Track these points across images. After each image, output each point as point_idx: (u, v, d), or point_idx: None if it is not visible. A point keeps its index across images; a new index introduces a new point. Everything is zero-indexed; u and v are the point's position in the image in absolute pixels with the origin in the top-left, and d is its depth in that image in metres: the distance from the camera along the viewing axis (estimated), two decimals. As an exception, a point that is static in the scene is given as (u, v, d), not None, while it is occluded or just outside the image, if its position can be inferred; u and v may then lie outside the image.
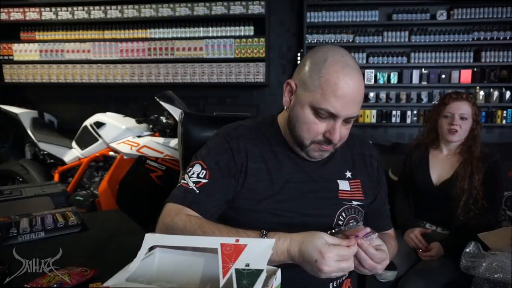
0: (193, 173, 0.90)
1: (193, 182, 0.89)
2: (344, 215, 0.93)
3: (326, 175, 0.96)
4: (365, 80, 3.58)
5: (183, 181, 0.91)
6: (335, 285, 0.93)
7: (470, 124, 1.70)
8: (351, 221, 0.93)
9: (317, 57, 0.86)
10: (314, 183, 0.94)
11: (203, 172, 0.90)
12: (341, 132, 0.86)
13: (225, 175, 0.90)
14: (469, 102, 1.69)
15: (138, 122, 2.65)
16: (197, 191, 0.87)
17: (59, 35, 3.83)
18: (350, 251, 0.73)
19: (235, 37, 3.60)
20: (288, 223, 0.89)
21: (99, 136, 2.72)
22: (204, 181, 0.89)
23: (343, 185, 0.96)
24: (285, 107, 0.94)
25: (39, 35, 3.85)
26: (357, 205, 0.95)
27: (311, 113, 0.86)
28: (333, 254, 0.70)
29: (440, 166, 1.75)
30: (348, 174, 0.98)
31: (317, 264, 0.70)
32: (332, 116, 0.84)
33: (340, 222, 0.92)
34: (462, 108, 1.67)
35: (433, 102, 3.34)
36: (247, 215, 0.90)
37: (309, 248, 0.72)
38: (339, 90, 0.81)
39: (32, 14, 3.80)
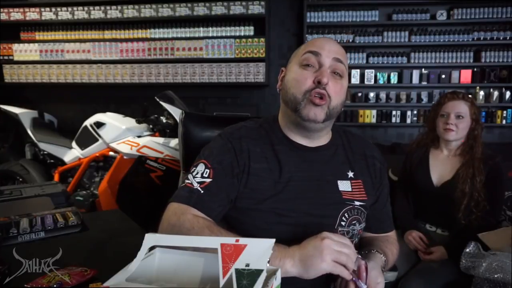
0: (197, 173, 0.90)
1: (198, 182, 0.89)
2: (347, 215, 0.93)
3: (328, 175, 0.95)
4: (365, 80, 3.59)
5: (187, 181, 0.91)
6: (334, 286, 0.93)
7: (468, 123, 1.68)
8: (353, 222, 0.93)
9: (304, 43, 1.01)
10: (316, 182, 0.94)
11: (206, 172, 0.90)
12: (331, 85, 0.90)
13: (228, 174, 0.90)
14: (466, 101, 1.68)
15: (138, 122, 2.65)
16: (202, 191, 0.87)
17: (59, 35, 3.83)
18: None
19: (235, 37, 3.60)
20: (291, 222, 0.89)
21: (99, 136, 2.72)
22: (208, 180, 0.89)
23: (344, 185, 0.95)
24: (278, 90, 1.01)
25: (39, 35, 3.85)
26: (360, 205, 0.95)
27: (298, 68, 0.93)
28: (336, 235, 0.77)
29: (441, 167, 1.75)
30: (350, 174, 0.98)
31: (319, 236, 0.76)
32: (317, 60, 0.91)
33: (343, 223, 0.92)
34: (458, 107, 1.67)
35: (433, 102, 3.35)
36: (250, 214, 0.90)
37: (313, 238, 0.77)
38: (317, 40, 0.95)
39: (32, 14, 3.80)
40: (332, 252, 0.73)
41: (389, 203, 1.08)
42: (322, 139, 0.99)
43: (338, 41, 3.52)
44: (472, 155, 1.67)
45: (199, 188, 0.88)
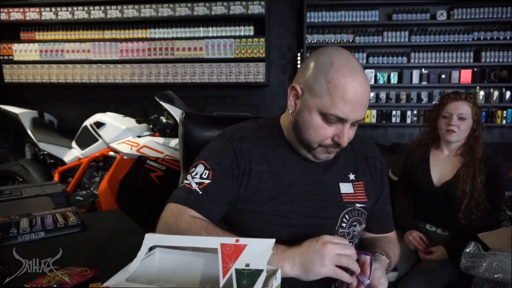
0: (196, 174, 0.90)
1: (196, 183, 0.88)
2: (347, 217, 0.93)
3: (330, 178, 0.96)
4: (365, 80, 3.58)
5: (185, 181, 0.90)
6: (336, 285, 0.93)
7: (470, 124, 1.68)
8: (354, 223, 0.93)
9: (322, 61, 0.85)
10: (318, 186, 0.94)
11: (206, 173, 0.89)
12: (348, 134, 0.87)
13: (227, 176, 0.90)
14: (468, 102, 1.67)
15: (138, 122, 2.65)
16: (200, 192, 0.87)
17: (59, 35, 3.83)
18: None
19: (235, 37, 3.60)
20: (291, 224, 0.89)
21: (99, 136, 2.72)
22: (207, 181, 0.88)
23: (346, 187, 0.96)
24: (290, 111, 0.93)
25: (39, 35, 3.85)
26: (360, 207, 0.95)
27: (320, 118, 0.85)
28: (336, 238, 0.76)
29: (441, 167, 1.74)
30: (352, 177, 0.98)
31: (320, 240, 0.75)
32: (341, 120, 0.85)
33: (344, 225, 0.92)
34: (460, 108, 1.66)
35: (433, 102, 3.35)
36: (251, 216, 0.90)
37: (313, 241, 0.77)
38: (347, 95, 0.81)
39: (32, 14, 3.80)
40: (334, 257, 0.73)
41: (390, 204, 1.08)
42: None
43: (338, 41, 3.52)
44: (472, 155, 1.66)
45: (197, 189, 0.87)
